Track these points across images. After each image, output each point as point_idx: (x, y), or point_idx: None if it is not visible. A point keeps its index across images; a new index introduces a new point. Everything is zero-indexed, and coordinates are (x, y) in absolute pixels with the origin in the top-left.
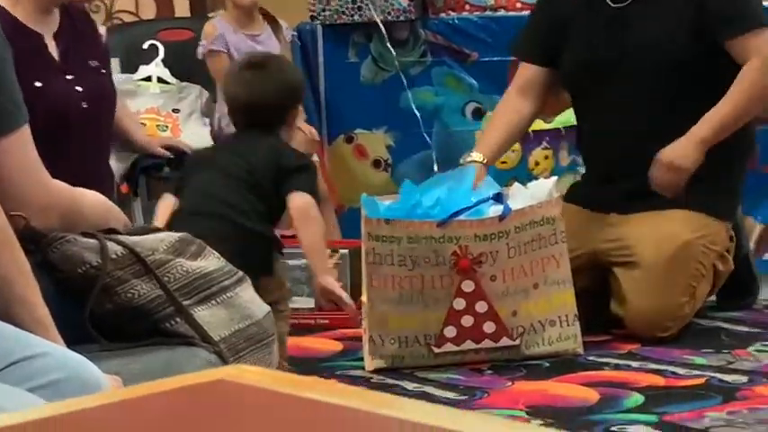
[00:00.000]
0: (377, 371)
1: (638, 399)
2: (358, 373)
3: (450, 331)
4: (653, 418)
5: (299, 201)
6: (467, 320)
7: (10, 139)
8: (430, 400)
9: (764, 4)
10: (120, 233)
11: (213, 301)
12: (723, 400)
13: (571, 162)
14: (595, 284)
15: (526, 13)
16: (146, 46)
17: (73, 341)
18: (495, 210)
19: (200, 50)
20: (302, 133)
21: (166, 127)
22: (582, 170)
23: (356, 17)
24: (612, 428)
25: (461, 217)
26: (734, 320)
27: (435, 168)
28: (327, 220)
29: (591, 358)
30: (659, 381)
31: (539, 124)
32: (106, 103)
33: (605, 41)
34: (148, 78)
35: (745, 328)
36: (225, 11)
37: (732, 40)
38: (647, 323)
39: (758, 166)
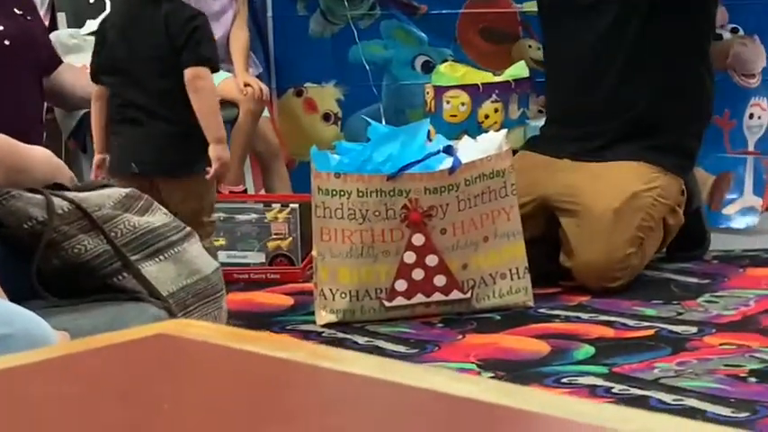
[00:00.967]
0: (328, 325)
1: (588, 350)
2: (309, 327)
3: (401, 285)
4: (603, 369)
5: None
6: (417, 274)
7: None
8: (381, 353)
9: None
10: (68, 189)
11: (161, 257)
12: (673, 351)
13: (521, 115)
14: (546, 232)
15: None
16: (92, 0)
17: (19, 298)
18: (445, 163)
19: None
20: (251, 88)
21: None
22: (531, 123)
23: None
24: (563, 380)
25: (412, 170)
26: (683, 272)
27: (383, 121)
28: (279, 173)
29: (541, 310)
30: (609, 332)
31: (488, 77)
32: (32, 45)
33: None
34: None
35: (695, 280)
36: None
37: None
38: (594, 274)
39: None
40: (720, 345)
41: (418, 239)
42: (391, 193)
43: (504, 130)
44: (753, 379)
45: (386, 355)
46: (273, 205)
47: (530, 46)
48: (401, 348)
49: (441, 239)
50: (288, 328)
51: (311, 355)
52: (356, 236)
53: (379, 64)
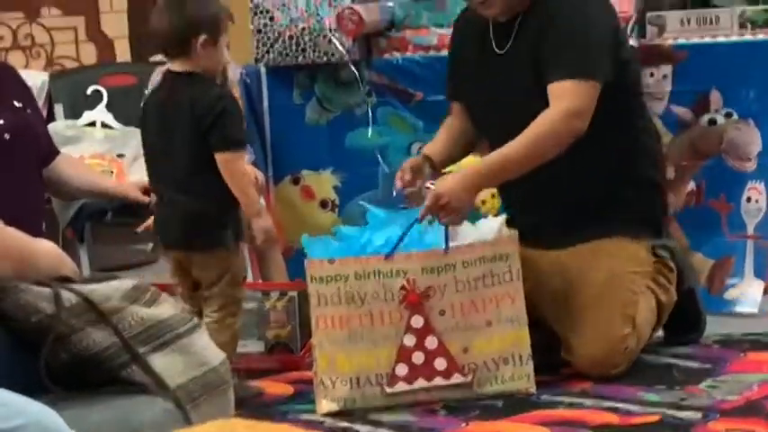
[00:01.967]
0: (329, 414)
1: None
2: (310, 416)
3: (402, 369)
4: None
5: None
6: (417, 357)
7: None
8: None
9: (631, 42)
10: (74, 281)
11: (169, 348)
12: None
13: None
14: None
15: None
16: (89, 92)
17: (28, 391)
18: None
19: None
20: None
21: (111, 172)
22: None
23: (300, 59)
24: None
25: (411, 249)
26: (684, 356)
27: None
28: (275, 261)
29: (544, 397)
30: (613, 419)
31: None
32: (32, 138)
33: (491, 85)
34: (93, 124)
35: (696, 364)
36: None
37: (551, 84)
38: (596, 364)
39: (704, 201)
40: (726, 431)
41: (417, 321)
42: (389, 275)
43: (503, 216)
44: None
45: None
46: (272, 294)
47: None
48: None
49: (440, 321)
50: (289, 417)
51: None
52: (354, 320)
53: (375, 151)
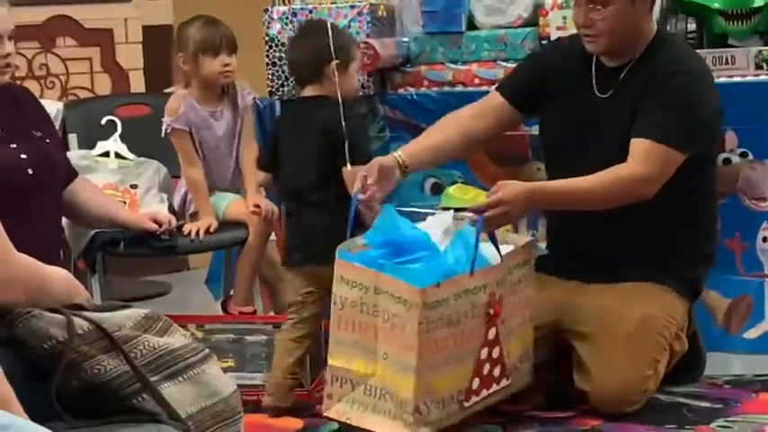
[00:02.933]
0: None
1: None
2: None
3: (476, 383)
4: None
5: None
6: (486, 368)
7: None
8: None
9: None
10: (87, 309)
11: (180, 378)
12: None
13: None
14: (555, 357)
15: (485, 88)
16: (103, 122)
17: (39, 418)
18: (493, 252)
19: (164, 127)
20: (260, 209)
21: (124, 203)
22: (541, 245)
23: None
24: None
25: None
26: (695, 396)
27: None
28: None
29: None
30: None
31: None
32: (53, 170)
33: (588, 126)
34: (106, 154)
35: (707, 404)
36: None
37: (636, 138)
38: (613, 398)
39: (719, 241)
40: None
41: (492, 333)
42: (475, 291)
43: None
44: None
45: None
46: (283, 327)
47: (538, 169)
48: None
49: (502, 329)
50: None
51: None
52: (449, 341)
53: None
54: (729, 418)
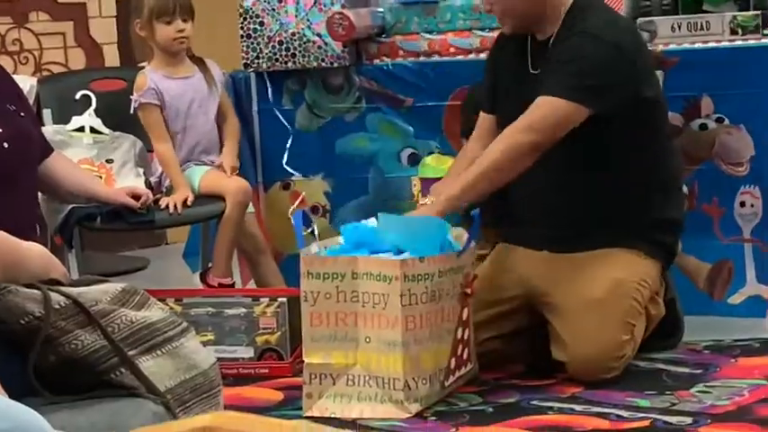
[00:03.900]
0: (310, 418)
1: None
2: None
3: (453, 362)
4: None
5: None
6: (459, 349)
7: None
8: None
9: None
10: (63, 284)
11: (158, 352)
12: None
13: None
14: (532, 326)
15: (460, 57)
16: (78, 96)
17: (16, 394)
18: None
19: (133, 104)
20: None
21: (100, 177)
22: None
23: (290, 64)
24: None
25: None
26: (675, 362)
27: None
28: (270, 268)
29: (534, 402)
30: (604, 424)
31: None
32: (28, 144)
33: (520, 101)
34: (81, 129)
35: (687, 370)
36: (153, 59)
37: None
38: (590, 366)
39: (696, 206)
40: None
41: (465, 313)
42: (458, 270)
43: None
44: None
45: None
46: (261, 299)
47: None
48: None
49: (470, 311)
50: None
51: None
52: (432, 317)
53: (366, 156)
54: (709, 384)
